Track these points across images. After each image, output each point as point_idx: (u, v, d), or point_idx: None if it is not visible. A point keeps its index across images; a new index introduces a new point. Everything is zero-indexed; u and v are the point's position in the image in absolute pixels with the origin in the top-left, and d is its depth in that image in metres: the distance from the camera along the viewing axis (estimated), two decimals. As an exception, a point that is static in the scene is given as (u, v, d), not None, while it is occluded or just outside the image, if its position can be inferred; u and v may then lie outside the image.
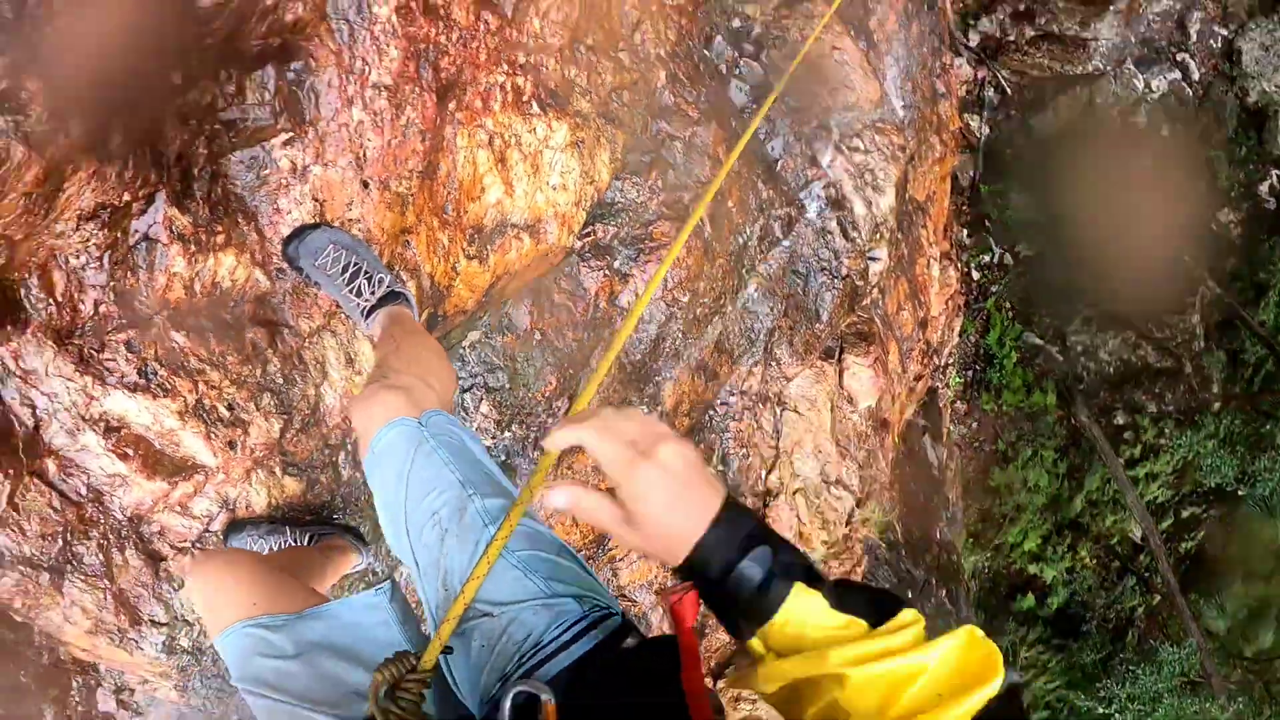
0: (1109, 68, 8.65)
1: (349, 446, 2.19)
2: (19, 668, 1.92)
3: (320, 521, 2.19)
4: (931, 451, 7.20)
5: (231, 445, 1.86)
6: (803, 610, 0.87)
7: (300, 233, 1.88)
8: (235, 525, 2.04)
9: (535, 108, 2.37)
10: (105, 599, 1.83)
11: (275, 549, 2.05)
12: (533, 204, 2.45)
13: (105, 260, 1.61)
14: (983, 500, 10.09)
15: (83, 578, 1.82)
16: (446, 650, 1.01)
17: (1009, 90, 9.29)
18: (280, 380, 1.94)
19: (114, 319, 1.66)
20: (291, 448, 2.01)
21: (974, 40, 8.70)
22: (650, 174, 3.03)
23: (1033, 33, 8.46)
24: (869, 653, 0.84)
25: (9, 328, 1.54)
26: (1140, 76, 8.77)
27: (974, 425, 9.73)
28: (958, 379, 9.04)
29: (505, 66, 2.22)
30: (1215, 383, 8.27)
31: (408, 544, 1.35)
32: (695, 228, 3.28)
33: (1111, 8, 8.28)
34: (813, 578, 0.89)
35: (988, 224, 9.18)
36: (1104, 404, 8.95)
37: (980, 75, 9.16)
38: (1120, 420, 8.89)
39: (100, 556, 1.82)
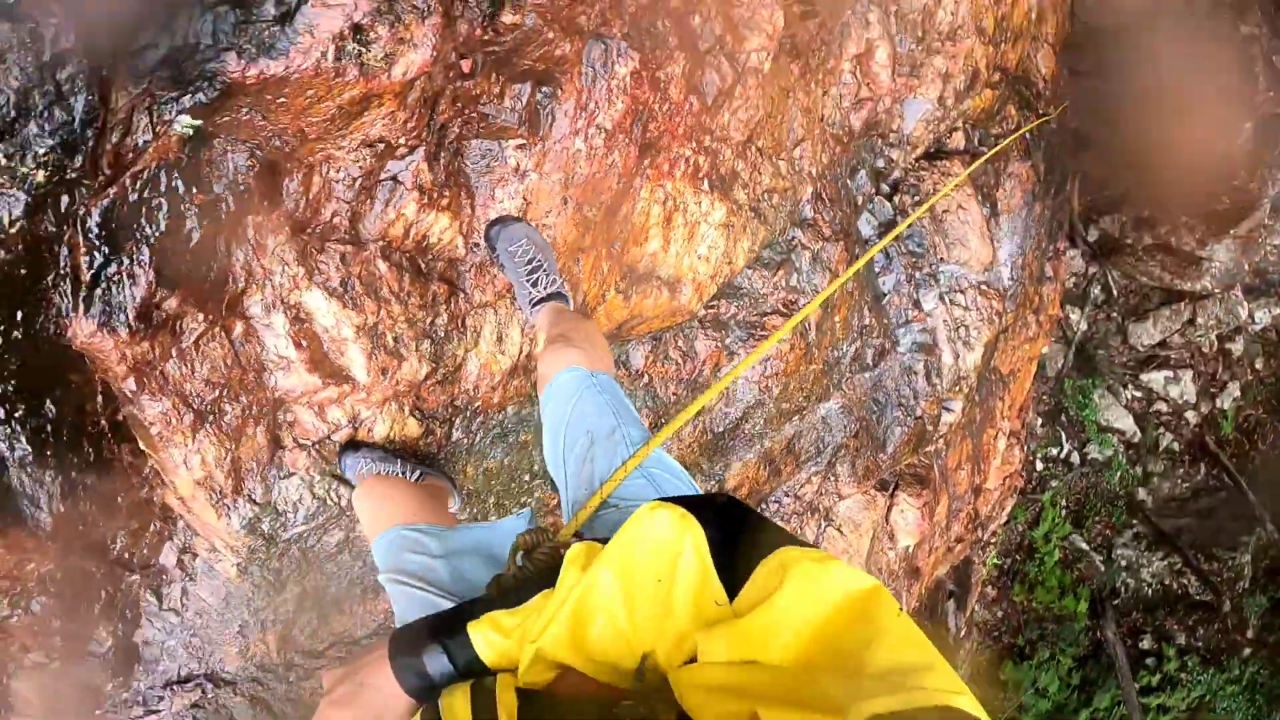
0: (1217, 290, 8.80)
1: (467, 413, 2.50)
2: (122, 488, 2.18)
3: (426, 463, 2.49)
4: (952, 619, 7.22)
5: (383, 372, 2.18)
6: (488, 636, 0.97)
7: (505, 220, 2.26)
8: (353, 445, 2.35)
9: (706, 185, 2.74)
10: (224, 458, 2.11)
11: (382, 475, 2.34)
12: (679, 265, 2.79)
13: (357, 183, 1.99)
14: (987, 690, 9.89)
15: (217, 432, 2.08)
16: (578, 536, 1.24)
17: (1115, 291, 9.42)
18: (441, 333, 2.27)
19: (340, 231, 2.01)
20: (425, 395, 2.33)
21: (1093, 235, 8.99)
22: (777, 272, 3.37)
23: (1150, 241, 8.68)
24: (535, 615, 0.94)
25: (264, 203, 1.89)
26: (1245, 305, 8.88)
27: (999, 613, 9.63)
28: (995, 561, 9.03)
29: (694, 144, 2.60)
30: (1251, 627, 8.14)
31: (562, 453, 1.61)
32: (801, 329, 3.59)
33: (1231, 232, 8.48)
34: (477, 607, 1.02)
35: (1064, 418, 9.25)
36: (1134, 625, 8.84)
37: (1090, 270, 9.35)
38: (1146, 645, 8.76)
39: (238, 421, 2.11)
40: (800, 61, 3.29)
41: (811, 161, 3.45)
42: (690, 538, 0.85)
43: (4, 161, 1.74)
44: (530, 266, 2.28)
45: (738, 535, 0.87)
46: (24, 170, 1.75)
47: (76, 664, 2.45)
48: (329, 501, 2.35)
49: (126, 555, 2.29)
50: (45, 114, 1.76)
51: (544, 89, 2.12)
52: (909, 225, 4.24)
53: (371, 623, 2.74)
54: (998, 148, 4.23)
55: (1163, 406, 9.54)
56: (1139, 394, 9.57)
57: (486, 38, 2.05)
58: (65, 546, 2.13)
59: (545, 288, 2.28)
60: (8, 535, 2.02)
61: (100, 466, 2.04)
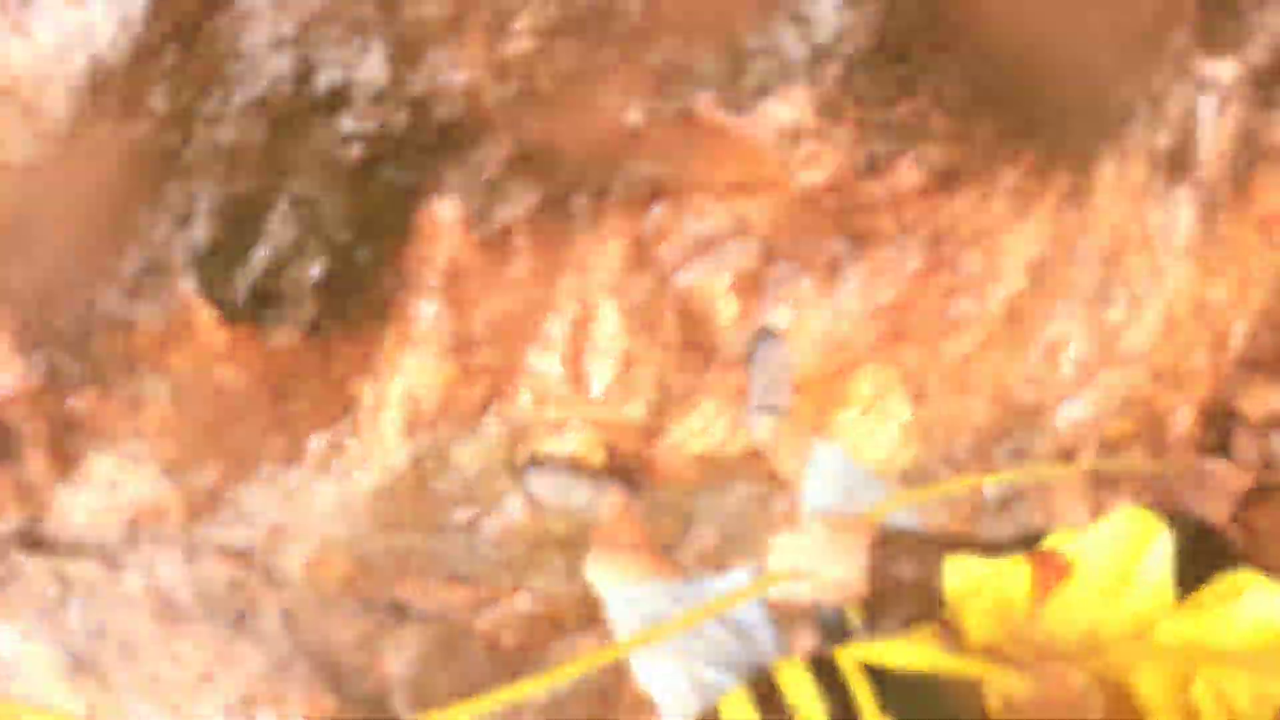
0: None
1: (639, 471, 2.60)
2: (346, 356, 2.22)
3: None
4: None
5: (614, 398, 2.30)
6: (960, 574, 1.05)
7: (772, 332, 2.47)
8: (537, 461, 2.46)
9: (908, 389, 2.91)
10: (442, 390, 2.21)
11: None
12: (857, 443, 2.94)
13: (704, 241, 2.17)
14: None
15: (457, 365, 2.18)
16: None
17: None
18: (673, 393, 2.42)
19: (662, 265, 2.19)
20: (624, 436, 2.45)
21: None
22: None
23: None
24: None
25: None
26: None
27: None
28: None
29: (923, 350, 2.79)
30: None
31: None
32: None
33: None
34: (960, 549, 1.10)
35: None
36: None
37: None
38: None
39: (478, 368, 2.22)
40: (1015, 325, 3.50)
41: (981, 414, 3.61)
42: (1161, 540, 0.93)
43: None
44: (769, 378, 2.43)
45: (1203, 550, 0.93)
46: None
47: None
48: (490, 487, 2.42)
49: (294, 414, 2.34)
50: None
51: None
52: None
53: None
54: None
55: None
56: None
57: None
58: (261, 371, 2.18)
59: (773, 400, 2.42)
60: (237, 328, 2.07)
61: (350, 327, 2.12)
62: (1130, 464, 4.54)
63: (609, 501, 2.37)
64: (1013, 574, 1.01)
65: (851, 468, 1.97)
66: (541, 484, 2.38)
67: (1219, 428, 8.75)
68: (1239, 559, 0.91)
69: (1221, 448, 8.25)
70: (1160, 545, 0.93)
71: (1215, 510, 8.84)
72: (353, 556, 2.55)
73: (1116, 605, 0.91)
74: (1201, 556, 0.92)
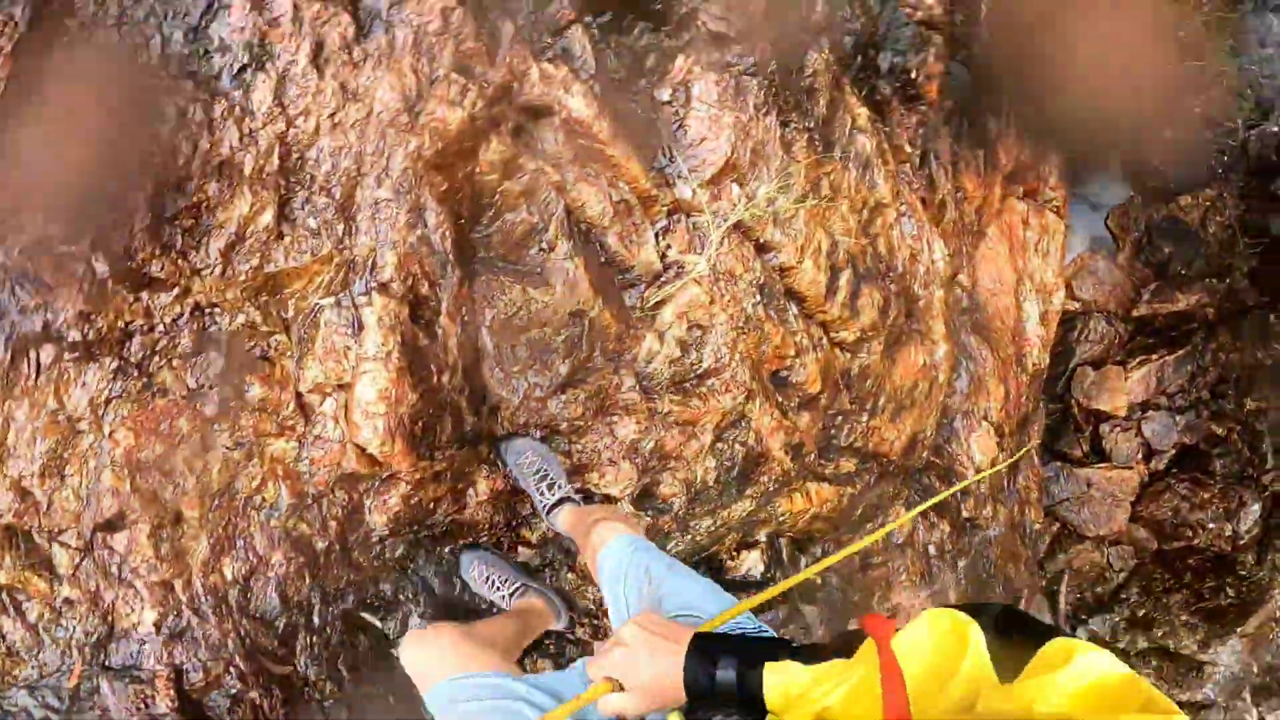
0: (1220, 699, 8.51)
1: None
2: None
3: (532, 575, 3.07)
4: None
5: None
6: (781, 680, 1.09)
7: (509, 436, 3.01)
8: (471, 546, 2.96)
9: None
10: None
11: (491, 580, 2.90)
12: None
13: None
14: None
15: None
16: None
17: None
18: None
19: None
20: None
21: (1081, 637, 9.16)
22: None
23: (1145, 644, 8.80)
24: (830, 678, 1.05)
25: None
26: (1254, 711, 8.58)
27: None
28: None
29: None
30: None
31: (622, 591, 1.91)
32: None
33: (1238, 631, 8.35)
34: (780, 653, 1.14)
35: None
36: None
37: None
38: None
39: None
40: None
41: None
42: (972, 633, 0.98)
43: None
44: (538, 475, 2.90)
45: (1014, 632, 0.99)
46: None
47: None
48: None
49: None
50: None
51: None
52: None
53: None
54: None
55: None
56: None
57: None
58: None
59: (556, 493, 2.88)
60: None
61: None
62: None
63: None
64: (833, 679, 1.06)
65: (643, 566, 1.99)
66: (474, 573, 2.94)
67: (1089, 435, 9.18)
68: (1052, 631, 0.97)
69: (1098, 454, 8.62)
70: (973, 637, 0.97)
71: (1116, 520, 9.18)
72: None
73: (938, 699, 0.94)
74: (1015, 637, 0.96)
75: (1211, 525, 9.01)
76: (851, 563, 4.87)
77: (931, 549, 5.44)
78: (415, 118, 2.99)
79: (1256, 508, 8.83)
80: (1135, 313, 9.27)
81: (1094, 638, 9.41)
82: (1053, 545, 9.40)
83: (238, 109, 2.87)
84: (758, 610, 4.08)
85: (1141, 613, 9.22)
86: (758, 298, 3.56)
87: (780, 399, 3.76)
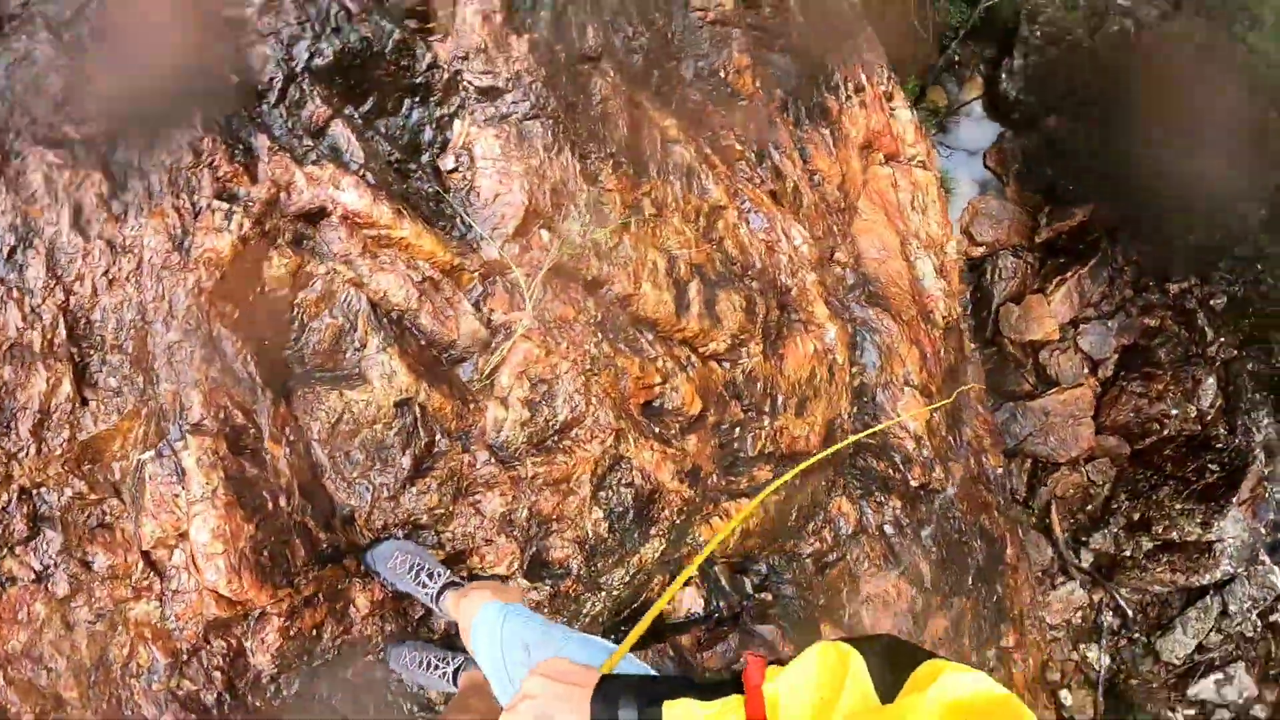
0: (1240, 568, 8.35)
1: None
2: None
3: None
4: None
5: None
6: (679, 717, 1.16)
7: (371, 544, 2.91)
8: (397, 641, 2.81)
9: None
10: None
11: (428, 663, 2.76)
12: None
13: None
14: None
15: None
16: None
17: (1130, 612, 9.07)
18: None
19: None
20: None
21: (1086, 560, 9.00)
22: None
23: (1150, 544, 8.62)
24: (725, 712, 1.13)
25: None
26: (1276, 570, 8.46)
27: None
28: None
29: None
30: None
31: (504, 667, 1.87)
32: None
33: (1234, 500, 8.23)
34: (680, 691, 1.20)
35: None
36: None
37: (1095, 598, 9.12)
38: None
39: None
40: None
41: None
42: (854, 662, 1.07)
43: None
44: (414, 572, 2.80)
45: (896, 658, 1.07)
46: None
47: None
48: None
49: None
50: None
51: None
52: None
53: None
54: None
55: (1224, 715, 8.89)
56: (1192, 712, 8.92)
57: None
58: None
59: (437, 581, 2.78)
60: None
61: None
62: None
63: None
64: (728, 715, 1.13)
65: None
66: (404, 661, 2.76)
67: (1031, 367, 9.17)
68: (928, 655, 1.05)
69: (1045, 382, 8.63)
70: (854, 665, 1.06)
71: (1083, 437, 9.15)
72: None
73: None
74: (896, 664, 1.05)
75: (1175, 412, 8.95)
76: (805, 569, 4.72)
77: (887, 528, 5.30)
78: (187, 255, 2.90)
79: (1211, 381, 8.81)
80: (1038, 239, 9.32)
81: (1099, 555, 9.23)
82: (1030, 482, 9.30)
83: (15, 290, 2.80)
84: (699, 644, 3.92)
85: (1136, 516, 9.10)
86: (599, 336, 3.46)
87: (658, 429, 3.64)
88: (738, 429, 4.12)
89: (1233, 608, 8.75)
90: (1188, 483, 9.08)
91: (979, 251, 9.41)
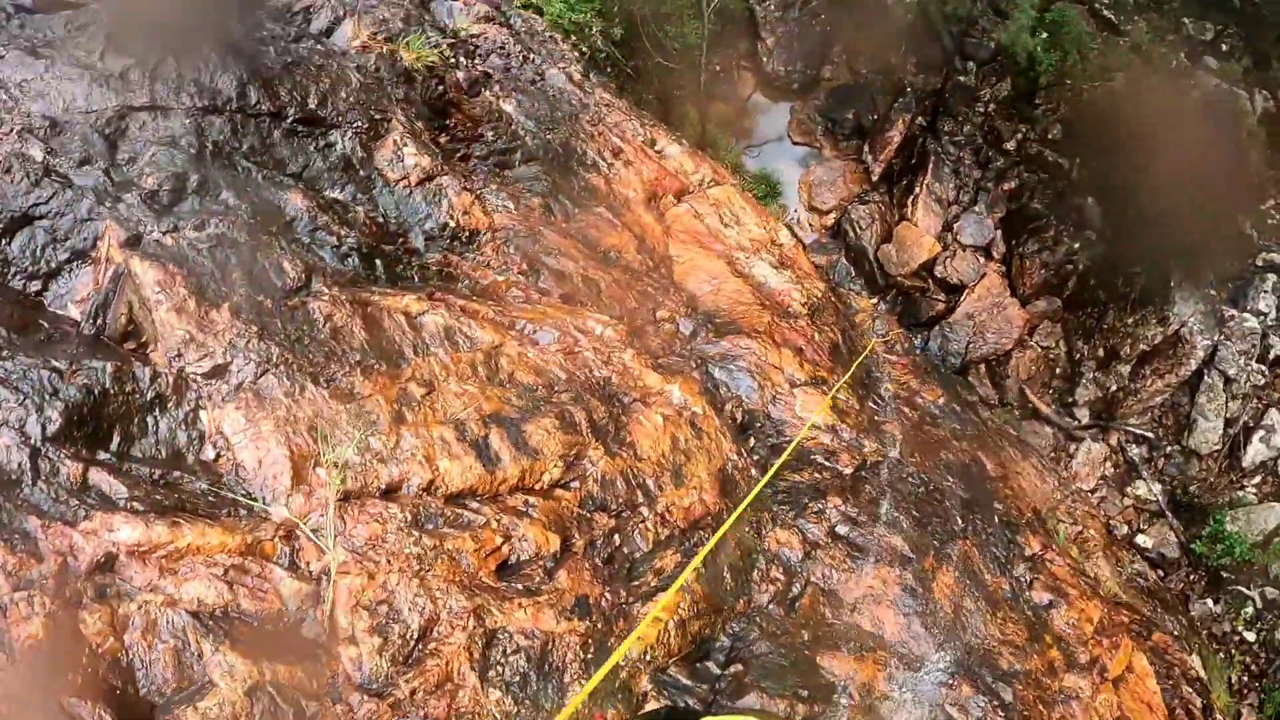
0: (1215, 335, 8.48)
1: None
2: None
3: None
4: None
5: None
6: None
7: None
8: None
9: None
10: None
11: None
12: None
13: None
14: None
15: None
16: None
17: (1150, 434, 9.03)
18: None
19: None
20: None
21: (1083, 416, 8.94)
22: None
23: (1127, 367, 8.56)
24: None
25: None
26: (1245, 310, 8.57)
27: None
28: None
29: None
30: None
31: None
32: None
33: (1172, 284, 8.19)
34: None
35: (1227, 576, 8.28)
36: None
37: (1114, 443, 9.07)
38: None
39: None
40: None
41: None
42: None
43: None
44: None
45: None
46: None
47: None
48: None
49: None
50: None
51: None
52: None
53: None
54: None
55: None
56: (1258, 479, 8.71)
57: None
58: None
59: None
60: None
61: None
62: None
63: None
64: None
65: None
66: None
67: (934, 285, 9.27)
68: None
69: (953, 291, 8.68)
70: None
71: (1014, 317, 9.14)
72: None
73: None
74: None
75: (1071, 242, 8.96)
76: (771, 617, 4.60)
77: (840, 529, 5.20)
78: (10, 651, 2.91)
79: (1090, 200, 8.89)
80: (874, 177, 9.48)
81: (1090, 406, 9.09)
82: (993, 383, 9.23)
83: None
84: None
85: (1100, 352, 9.06)
86: (417, 533, 3.47)
87: (522, 584, 3.61)
88: (618, 536, 4.08)
89: (1232, 371, 8.71)
90: (1125, 297, 9.11)
91: (832, 218, 9.57)
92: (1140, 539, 8.86)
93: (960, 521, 6.02)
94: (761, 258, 6.93)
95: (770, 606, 4.66)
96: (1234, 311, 8.79)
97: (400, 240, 4.59)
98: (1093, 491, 9.14)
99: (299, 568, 3.33)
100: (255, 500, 3.38)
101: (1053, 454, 9.23)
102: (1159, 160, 8.52)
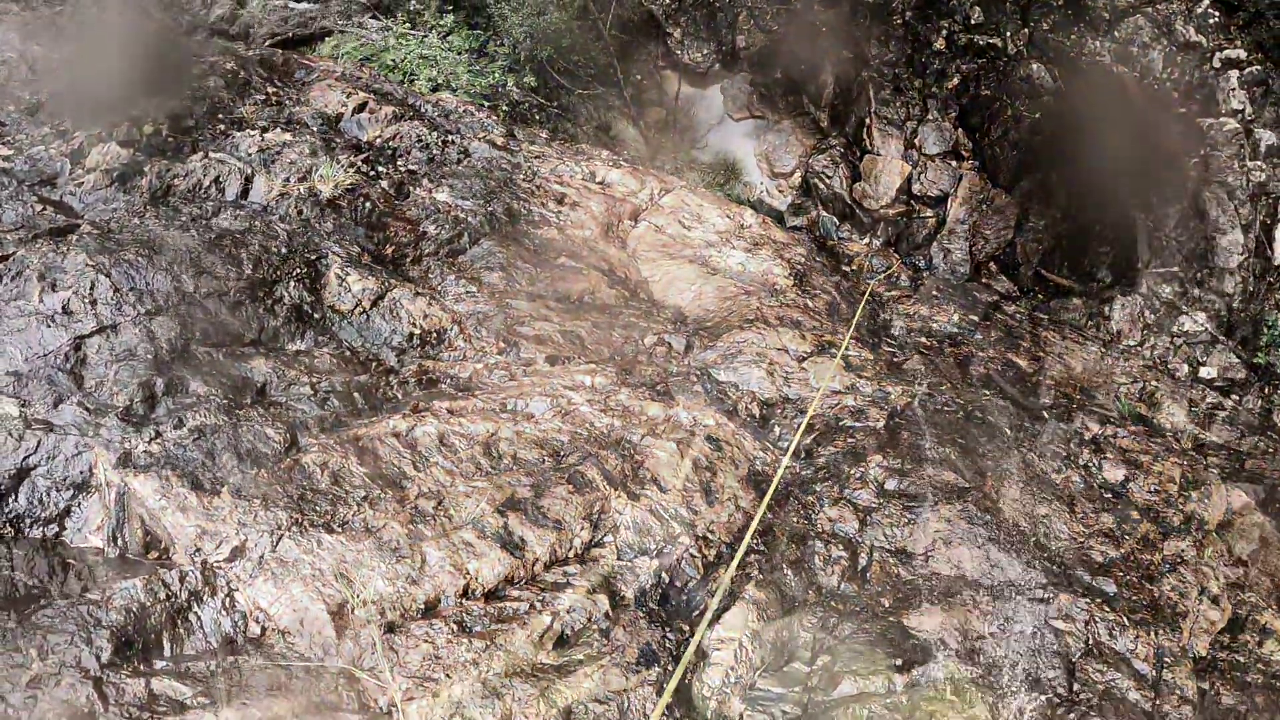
0: (1203, 150, 8.05)
1: None
2: None
3: None
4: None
5: None
6: None
7: None
8: None
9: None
10: None
11: None
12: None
13: None
14: None
15: None
16: None
17: (1175, 269, 8.74)
18: None
19: None
20: None
21: (1105, 276, 8.79)
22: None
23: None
24: None
25: None
26: (1223, 114, 8.12)
27: None
28: None
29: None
30: None
31: None
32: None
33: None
34: None
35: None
36: None
37: (1145, 289, 8.89)
38: None
39: None
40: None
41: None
42: None
43: None
44: None
45: None
46: None
47: None
48: None
49: None
50: None
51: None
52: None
53: None
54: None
55: None
56: None
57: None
58: None
59: None
60: None
61: None
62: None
63: None
64: None
65: None
66: None
67: (919, 208, 9.01)
68: None
69: (937, 203, 8.46)
70: None
71: (1005, 205, 8.89)
72: None
73: None
74: None
75: (1031, 113, 8.77)
76: (843, 595, 4.56)
77: (889, 484, 5.13)
78: None
79: (1037, 67, 8.69)
80: (823, 124, 9.40)
81: (1119, 272, 8.90)
82: (1008, 276, 9.04)
83: None
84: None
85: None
86: (467, 640, 3.52)
87: (582, 653, 3.65)
88: (665, 574, 4.11)
89: (1230, 178, 8.44)
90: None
91: (798, 176, 9.50)
92: (1204, 371, 8.61)
93: (1009, 432, 5.92)
94: (733, 246, 6.91)
95: (842, 586, 4.62)
96: (1210, 120, 8.53)
97: (374, 365, 4.69)
98: (1141, 345, 8.93)
99: (368, 708, 3.40)
100: (309, 660, 3.47)
101: (1089, 322, 9.03)
102: None
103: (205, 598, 3.65)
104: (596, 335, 5.58)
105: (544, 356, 5.22)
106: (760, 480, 4.88)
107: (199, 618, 3.65)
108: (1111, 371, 7.97)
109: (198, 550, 3.72)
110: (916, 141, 9.24)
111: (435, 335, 4.93)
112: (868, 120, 9.30)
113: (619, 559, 4.07)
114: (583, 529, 4.08)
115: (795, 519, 4.79)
